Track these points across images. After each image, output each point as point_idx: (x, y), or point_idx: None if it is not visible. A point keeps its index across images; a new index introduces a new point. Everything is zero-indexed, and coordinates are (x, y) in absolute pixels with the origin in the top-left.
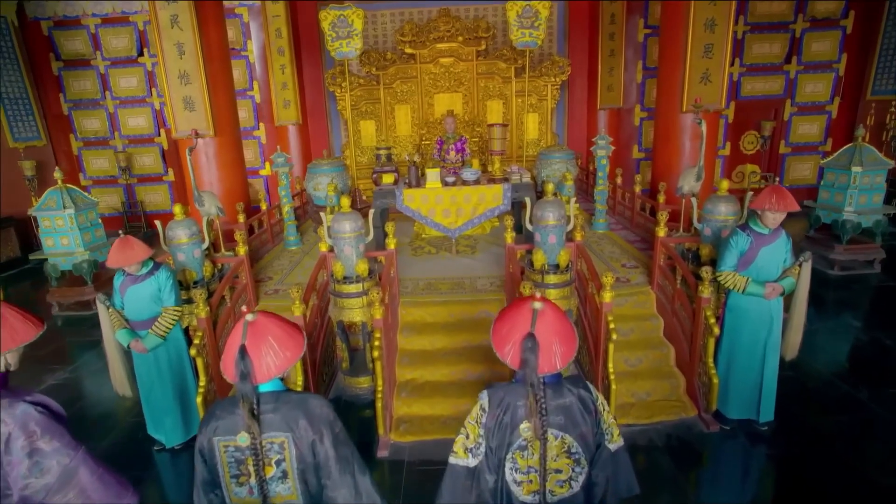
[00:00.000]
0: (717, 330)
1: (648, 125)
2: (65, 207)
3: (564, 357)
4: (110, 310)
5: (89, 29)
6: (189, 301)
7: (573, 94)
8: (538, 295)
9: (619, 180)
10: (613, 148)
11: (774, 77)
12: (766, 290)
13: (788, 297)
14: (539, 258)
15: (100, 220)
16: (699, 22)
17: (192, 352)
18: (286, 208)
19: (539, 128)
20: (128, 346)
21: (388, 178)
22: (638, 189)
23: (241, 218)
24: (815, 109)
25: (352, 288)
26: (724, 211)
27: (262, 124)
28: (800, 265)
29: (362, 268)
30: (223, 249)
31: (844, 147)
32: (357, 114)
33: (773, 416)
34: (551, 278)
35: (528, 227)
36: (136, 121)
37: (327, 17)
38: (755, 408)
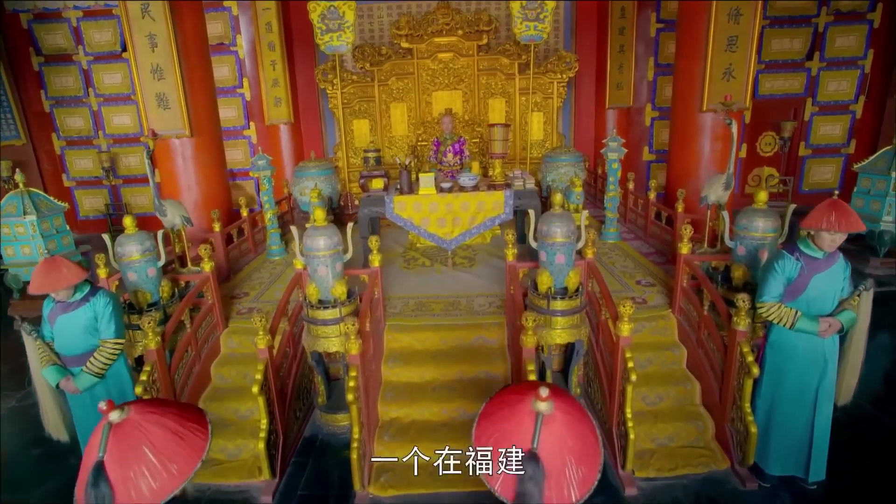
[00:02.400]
0: (756, 370)
1: (660, 125)
2: (25, 213)
3: (584, 483)
4: (38, 342)
5: (70, 22)
6: (137, 328)
7: (580, 92)
8: (545, 394)
9: (630, 185)
10: (626, 150)
11: (795, 75)
12: (820, 326)
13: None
14: (544, 280)
15: (67, 227)
16: (722, 12)
17: (138, 390)
18: (268, 215)
19: (544, 128)
20: (56, 386)
21: (377, 184)
22: (653, 195)
23: (217, 226)
24: (839, 109)
25: (328, 314)
26: (761, 227)
27: (252, 123)
28: (859, 295)
29: (340, 290)
30: (191, 264)
31: (882, 150)
32: (350, 112)
33: (824, 474)
34: (558, 304)
35: (533, 243)
36: (121, 119)
37: (316, 7)
38: (803, 464)
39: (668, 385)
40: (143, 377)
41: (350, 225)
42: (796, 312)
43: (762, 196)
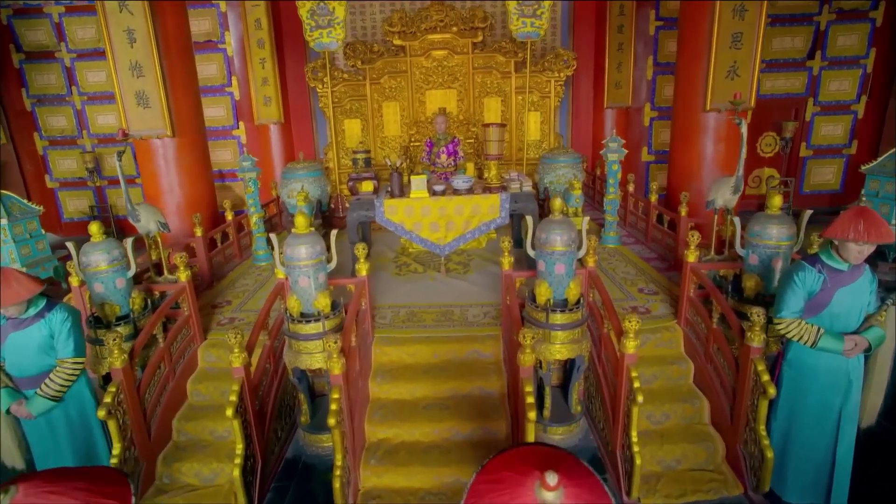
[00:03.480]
0: (772, 391)
1: (659, 126)
2: None
3: None
4: None
5: (52, 18)
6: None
7: (577, 91)
8: (552, 481)
9: (631, 187)
10: (626, 151)
11: (796, 74)
12: (845, 344)
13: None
14: (543, 292)
15: (42, 231)
16: (727, 8)
17: (101, 413)
18: (254, 218)
19: (541, 128)
20: (7, 411)
21: (366, 187)
22: (654, 198)
23: (199, 231)
24: (840, 109)
25: (310, 328)
26: (775, 235)
27: (241, 123)
28: (886, 310)
29: (323, 303)
30: (168, 273)
31: (890, 151)
32: (341, 112)
33: (846, 502)
34: (558, 318)
35: (530, 252)
36: (106, 118)
37: (306, 4)
38: (823, 491)
39: (674, 402)
40: (108, 399)
41: (334, 232)
42: (819, 330)
43: (776, 201)
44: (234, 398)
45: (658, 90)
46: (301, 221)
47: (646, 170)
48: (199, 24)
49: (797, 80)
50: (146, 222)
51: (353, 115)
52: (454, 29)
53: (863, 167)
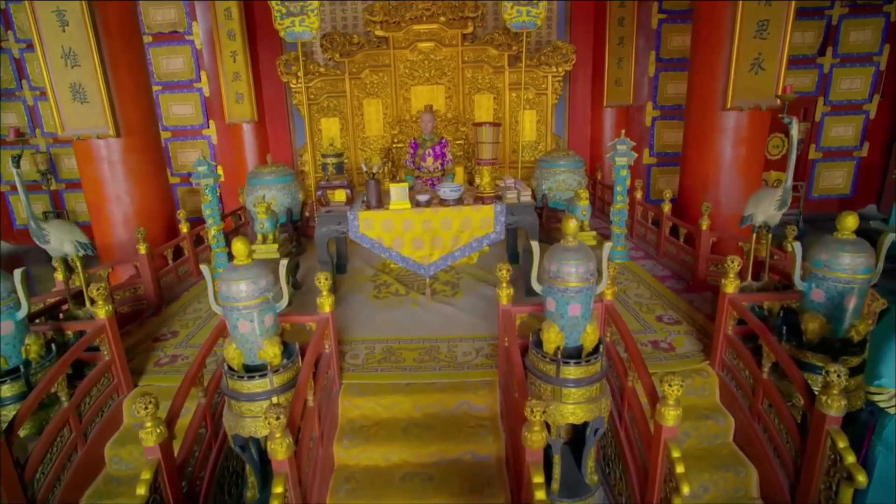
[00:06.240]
0: (862, 479)
1: (662, 126)
2: None
3: None
4: None
5: None
6: None
7: (575, 89)
8: None
9: (639, 194)
10: (636, 155)
11: (806, 72)
12: None
13: None
14: (552, 338)
15: None
16: None
17: None
18: (213, 231)
19: (537, 128)
20: None
21: (339, 196)
22: (667, 208)
23: (142, 248)
24: (852, 109)
25: (254, 386)
26: (849, 265)
27: (212, 122)
28: None
29: (271, 352)
30: (90, 304)
31: None
32: (317, 110)
33: None
34: (571, 371)
35: (536, 287)
36: None
37: None
38: None
39: (714, 470)
40: None
41: (283, 262)
42: None
43: (850, 222)
44: (142, 491)
45: (661, 88)
46: (240, 249)
47: (647, 173)
48: (164, 13)
49: (807, 78)
50: (58, 243)
51: (331, 113)
52: (442, 19)
53: None
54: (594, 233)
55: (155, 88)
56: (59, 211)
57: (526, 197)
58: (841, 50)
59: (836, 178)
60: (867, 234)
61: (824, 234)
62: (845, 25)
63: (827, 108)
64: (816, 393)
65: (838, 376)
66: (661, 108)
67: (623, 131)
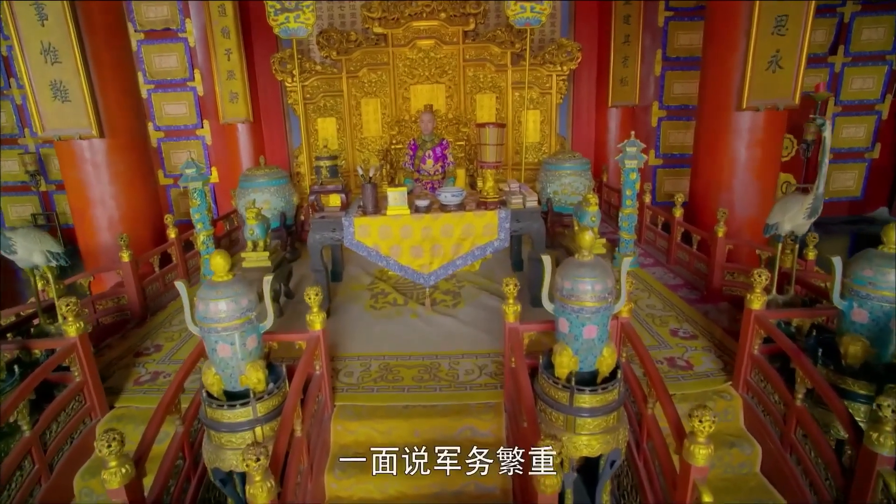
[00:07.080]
0: None
1: (668, 126)
2: None
3: None
4: None
5: None
6: None
7: (579, 88)
8: None
9: (647, 198)
10: (646, 157)
11: (816, 71)
12: None
13: None
14: (565, 362)
15: None
16: None
17: None
18: (202, 237)
19: (541, 128)
20: None
21: (333, 201)
22: (679, 213)
23: (126, 255)
24: (863, 109)
25: (236, 415)
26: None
27: (206, 122)
28: None
29: (255, 378)
30: (61, 320)
31: None
32: (314, 109)
33: None
34: (586, 400)
35: (547, 306)
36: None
37: None
38: None
39: None
40: None
41: (267, 279)
42: None
43: (894, 234)
44: None
45: (667, 87)
46: (219, 264)
47: (653, 175)
48: (156, 10)
49: (817, 78)
50: (26, 253)
51: (328, 113)
52: (442, 15)
53: None
54: (604, 240)
55: (147, 87)
56: (48, 213)
57: (532, 202)
58: (853, 48)
59: (846, 180)
60: (877, 239)
61: (867, 250)
62: (858, 23)
63: (838, 108)
64: (861, 425)
65: (893, 412)
66: (668, 108)
67: (633, 132)
